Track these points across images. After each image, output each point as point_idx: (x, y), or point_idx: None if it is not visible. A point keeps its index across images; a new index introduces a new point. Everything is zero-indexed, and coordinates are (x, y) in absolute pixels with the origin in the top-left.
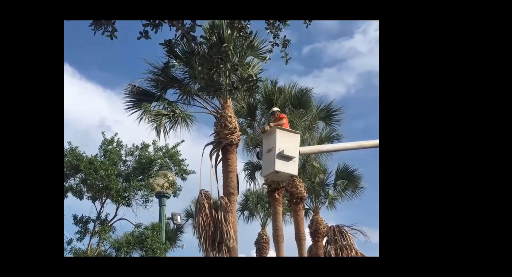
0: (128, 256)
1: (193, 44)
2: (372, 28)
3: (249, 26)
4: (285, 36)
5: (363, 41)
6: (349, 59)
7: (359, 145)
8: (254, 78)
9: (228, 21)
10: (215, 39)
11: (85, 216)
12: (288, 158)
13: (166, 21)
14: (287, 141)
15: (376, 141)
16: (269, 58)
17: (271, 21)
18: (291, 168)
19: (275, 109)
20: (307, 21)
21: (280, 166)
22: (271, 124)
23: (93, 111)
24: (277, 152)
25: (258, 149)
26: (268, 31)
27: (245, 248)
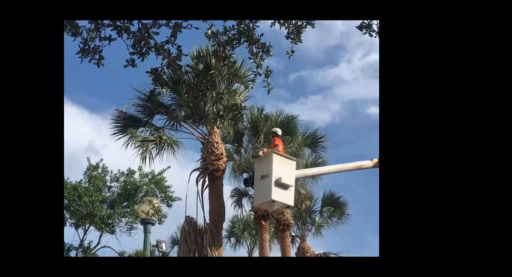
0: None
1: (178, 73)
2: (356, 57)
3: (233, 55)
4: (267, 67)
5: (347, 69)
6: (334, 87)
7: (340, 168)
8: (239, 107)
9: (212, 50)
10: (201, 67)
11: (67, 243)
12: (285, 187)
13: (153, 50)
14: (283, 168)
15: (356, 163)
16: (252, 87)
17: (254, 51)
18: (288, 197)
19: (276, 129)
20: (289, 52)
21: (277, 195)
22: (264, 149)
23: (80, 135)
24: (274, 179)
25: (247, 175)
26: (251, 61)
27: None
